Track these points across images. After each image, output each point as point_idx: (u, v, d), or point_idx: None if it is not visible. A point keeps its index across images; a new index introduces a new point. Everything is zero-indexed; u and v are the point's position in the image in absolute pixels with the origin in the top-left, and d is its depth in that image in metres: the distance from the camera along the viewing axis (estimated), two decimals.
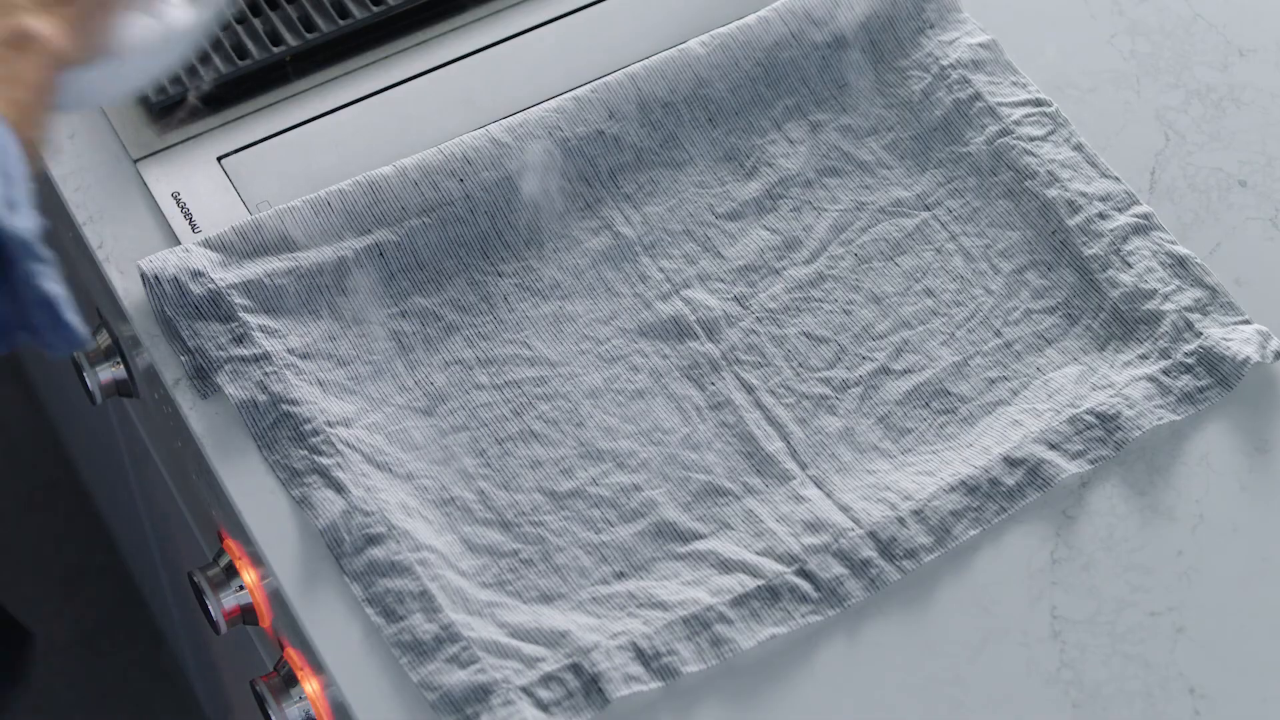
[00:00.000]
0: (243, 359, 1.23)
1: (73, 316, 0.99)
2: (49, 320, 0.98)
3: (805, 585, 1.16)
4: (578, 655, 1.13)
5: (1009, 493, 1.20)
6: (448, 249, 1.30)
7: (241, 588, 1.23)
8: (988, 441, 1.23)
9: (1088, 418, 1.23)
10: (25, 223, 0.96)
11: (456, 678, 1.12)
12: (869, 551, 1.18)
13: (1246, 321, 1.27)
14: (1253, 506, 1.21)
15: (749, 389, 1.26)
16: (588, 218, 1.33)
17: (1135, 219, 1.31)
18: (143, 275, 1.27)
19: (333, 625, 1.15)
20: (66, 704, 2.04)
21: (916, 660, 1.15)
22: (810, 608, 1.16)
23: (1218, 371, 1.24)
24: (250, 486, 1.20)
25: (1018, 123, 1.36)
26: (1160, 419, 1.23)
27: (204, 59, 1.38)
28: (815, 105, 1.39)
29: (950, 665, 1.14)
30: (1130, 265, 1.29)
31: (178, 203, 1.33)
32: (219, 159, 1.35)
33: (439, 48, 1.42)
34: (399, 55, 1.41)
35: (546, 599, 1.17)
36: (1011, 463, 1.21)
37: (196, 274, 1.26)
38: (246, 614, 1.23)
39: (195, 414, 1.23)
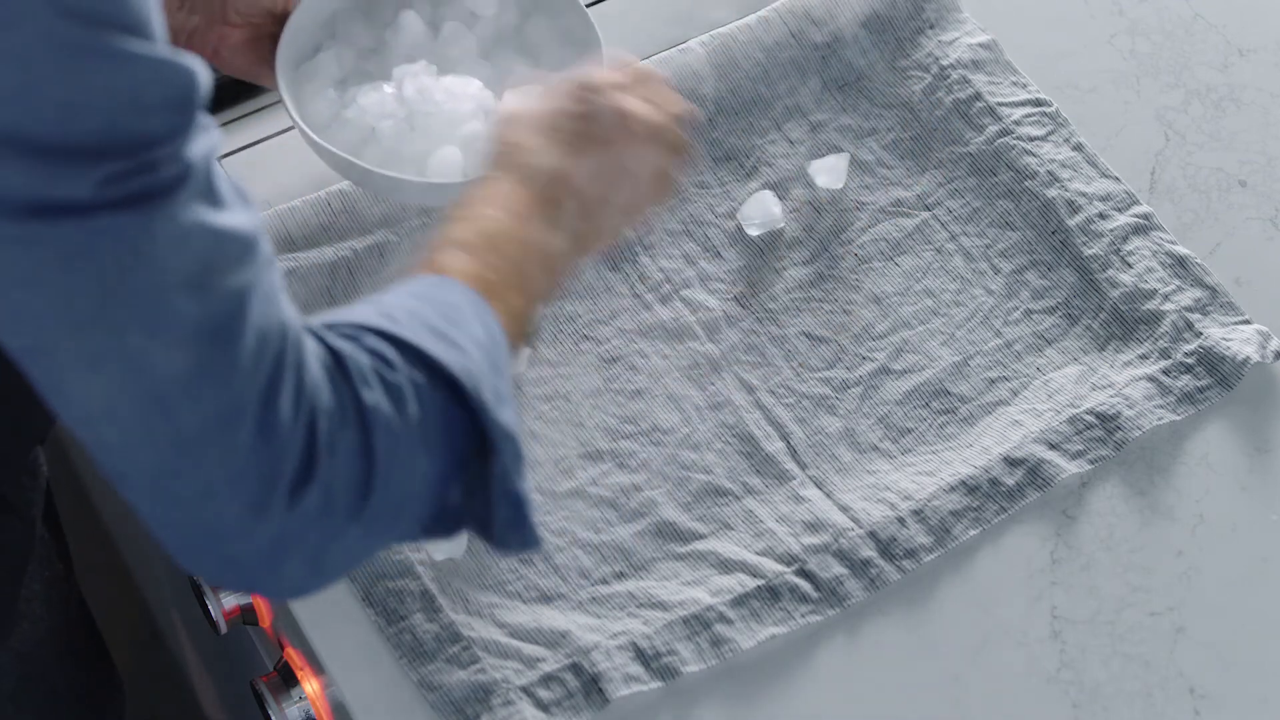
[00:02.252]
0: None
1: (534, 521, 0.97)
2: (512, 519, 0.96)
3: (805, 585, 1.16)
4: (578, 655, 1.13)
5: (1009, 493, 1.20)
6: None
7: None
8: (988, 441, 1.23)
9: (1088, 418, 1.22)
10: (511, 418, 0.95)
11: (456, 678, 1.12)
12: (869, 551, 1.18)
13: (1246, 321, 1.27)
14: (1253, 506, 1.21)
15: (749, 389, 1.26)
16: None
17: (1135, 219, 1.31)
18: None
19: (333, 625, 1.15)
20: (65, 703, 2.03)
21: (916, 660, 1.15)
22: (810, 608, 1.16)
23: (1218, 371, 1.24)
24: None
25: (1018, 123, 1.36)
26: (1160, 419, 1.23)
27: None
28: (815, 105, 1.39)
29: (950, 665, 1.14)
30: (1130, 265, 1.29)
31: None
32: (219, 159, 1.34)
33: None
34: None
35: (546, 599, 1.17)
36: (1011, 463, 1.21)
37: None
38: (246, 614, 1.23)
39: None
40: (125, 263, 0.81)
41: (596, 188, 1.06)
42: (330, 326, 0.92)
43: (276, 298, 0.86)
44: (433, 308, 0.95)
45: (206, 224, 0.83)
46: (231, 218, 0.84)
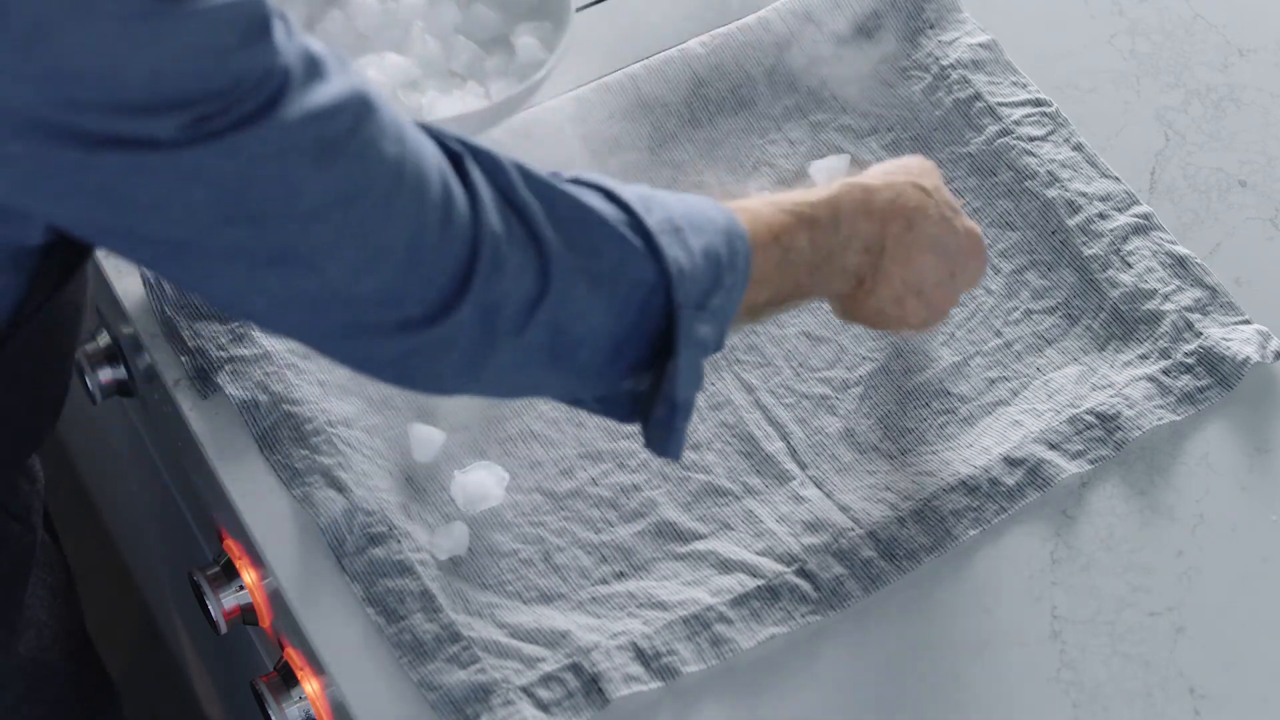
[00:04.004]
0: (243, 359, 1.23)
1: (684, 433, 1.02)
2: (664, 420, 1.01)
3: (805, 585, 1.16)
4: (578, 655, 1.13)
5: (1009, 493, 1.20)
6: None
7: (241, 588, 1.23)
8: (988, 441, 1.23)
9: (1088, 418, 1.22)
10: (708, 333, 1.00)
11: (456, 678, 1.12)
12: (869, 551, 1.18)
13: (1246, 321, 1.27)
14: (1253, 506, 1.21)
15: (749, 389, 1.26)
16: None
17: (1135, 219, 1.31)
18: (143, 276, 1.27)
19: (333, 625, 1.15)
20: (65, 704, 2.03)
21: (916, 660, 1.15)
22: (810, 608, 1.16)
23: (1218, 371, 1.24)
24: (250, 486, 1.20)
25: (1018, 123, 1.36)
26: (1160, 419, 1.23)
27: None
28: (815, 105, 1.39)
29: (950, 665, 1.14)
30: (1130, 265, 1.29)
31: None
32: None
33: None
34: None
35: (546, 599, 1.17)
36: (1011, 463, 1.21)
37: None
38: (246, 614, 1.23)
39: (195, 414, 1.23)
40: (246, 172, 0.84)
41: (913, 269, 1.12)
42: (558, 177, 0.97)
43: (402, 134, 0.90)
44: (685, 207, 1.00)
45: (315, 107, 0.85)
46: (335, 85, 0.87)
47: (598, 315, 0.97)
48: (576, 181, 0.98)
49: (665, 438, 1.02)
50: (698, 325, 0.99)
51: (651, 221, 0.98)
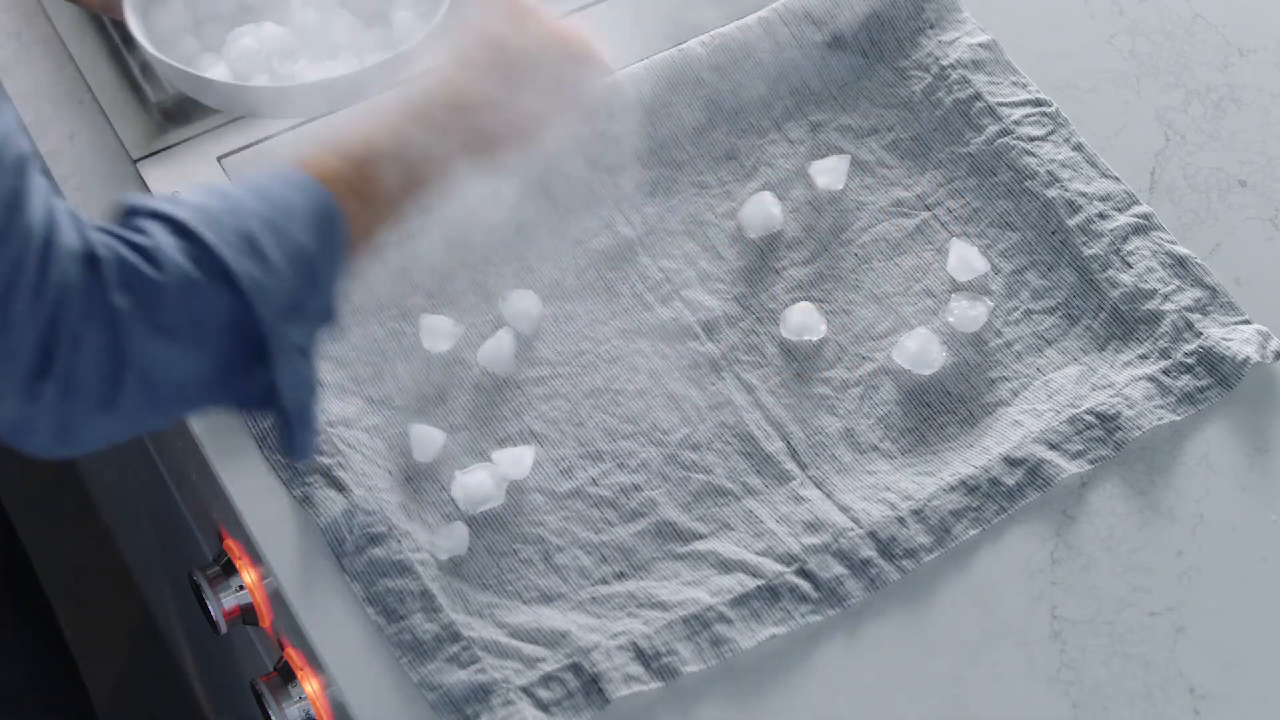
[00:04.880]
0: None
1: (308, 435, 1.01)
2: (284, 427, 1.01)
3: (805, 585, 1.16)
4: (578, 655, 1.13)
5: (1009, 493, 1.20)
6: (448, 249, 1.30)
7: (241, 588, 1.23)
8: (988, 442, 1.23)
9: (1088, 418, 1.22)
10: (301, 336, 0.99)
11: (456, 678, 1.12)
12: (869, 551, 1.18)
13: (1246, 321, 1.27)
14: (1253, 506, 1.21)
15: (749, 389, 1.26)
16: (588, 218, 1.33)
17: (1135, 219, 1.31)
18: None
19: (333, 625, 1.15)
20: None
21: (916, 660, 1.15)
22: (810, 608, 1.16)
23: (1218, 371, 1.24)
24: (250, 486, 1.20)
25: (1018, 123, 1.36)
26: (1160, 419, 1.23)
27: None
28: (815, 105, 1.39)
29: (950, 665, 1.14)
30: (1130, 265, 1.29)
31: None
32: (219, 159, 1.35)
33: None
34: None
35: (546, 599, 1.17)
36: (1011, 463, 1.21)
37: None
38: (246, 614, 1.23)
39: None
40: None
41: (483, 88, 1.09)
42: (130, 212, 0.96)
43: (20, 202, 0.88)
44: (266, 207, 0.98)
45: None
46: None
47: (187, 361, 0.96)
48: (148, 213, 0.96)
49: (287, 440, 1.02)
50: (289, 331, 0.97)
51: (216, 241, 0.96)
